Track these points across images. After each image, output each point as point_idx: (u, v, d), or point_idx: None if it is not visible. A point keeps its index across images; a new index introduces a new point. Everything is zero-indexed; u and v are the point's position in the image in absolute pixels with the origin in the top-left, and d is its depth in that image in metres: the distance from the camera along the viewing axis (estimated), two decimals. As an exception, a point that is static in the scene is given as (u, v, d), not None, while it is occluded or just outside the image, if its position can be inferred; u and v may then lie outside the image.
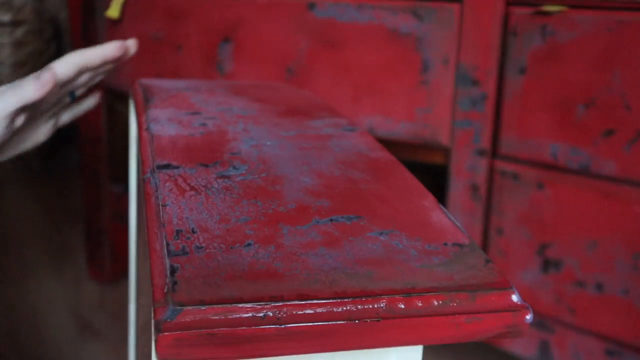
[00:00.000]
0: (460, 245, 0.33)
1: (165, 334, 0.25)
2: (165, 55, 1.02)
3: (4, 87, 0.55)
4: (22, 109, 0.56)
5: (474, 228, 0.78)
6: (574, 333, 0.73)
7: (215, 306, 0.26)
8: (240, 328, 0.26)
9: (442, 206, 0.37)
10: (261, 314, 0.26)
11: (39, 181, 1.79)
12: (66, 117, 0.67)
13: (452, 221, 0.35)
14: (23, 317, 1.17)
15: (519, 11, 0.71)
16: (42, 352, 1.08)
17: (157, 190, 0.35)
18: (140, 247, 0.63)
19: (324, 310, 0.27)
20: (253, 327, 0.26)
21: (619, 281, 0.69)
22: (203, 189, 0.36)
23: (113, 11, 1.06)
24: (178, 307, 0.26)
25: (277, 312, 0.27)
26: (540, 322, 0.76)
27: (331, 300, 0.27)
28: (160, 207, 0.33)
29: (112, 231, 1.26)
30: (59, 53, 2.12)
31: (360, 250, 0.31)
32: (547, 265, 0.74)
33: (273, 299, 0.27)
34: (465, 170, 0.77)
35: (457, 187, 0.78)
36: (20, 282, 1.30)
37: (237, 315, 0.26)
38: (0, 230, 1.52)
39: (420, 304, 0.28)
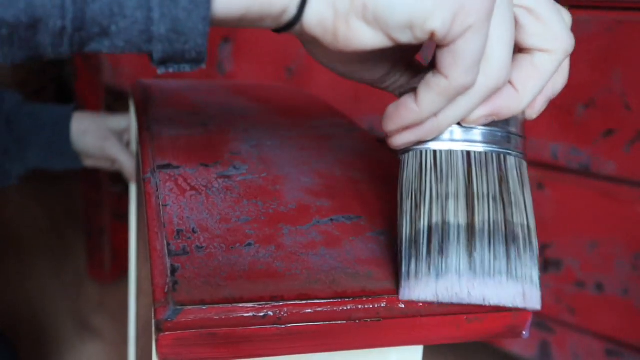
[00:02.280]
0: (461, 245, 0.33)
1: (166, 333, 0.25)
2: (165, 55, 1.01)
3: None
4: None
5: (474, 228, 0.78)
6: (574, 333, 0.73)
7: (216, 306, 0.26)
8: (240, 328, 0.26)
9: (442, 206, 0.37)
10: (262, 314, 0.26)
11: (39, 181, 1.79)
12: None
13: (452, 221, 0.35)
14: (23, 317, 1.17)
15: (519, 11, 0.71)
16: (42, 352, 1.08)
17: (157, 190, 0.35)
18: (141, 247, 0.63)
19: (325, 310, 0.27)
20: (253, 327, 0.26)
21: (619, 281, 0.69)
22: (203, 188, 0.36)
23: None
24: (179, 307, 0.26)
25: (278, 312, 0.27)
26: (540, 322, 0.76)
27: (331, 300, 0.27)
28: (161, 207, 0.33)
29: (112, 231, 1.26)
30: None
31: (360, 250, 0.31)
32: (547, 265, 0.74)
33: (273, 298, 0.27)
34: (465, 170, 0.77)
35: (457, 187, 0.78)
36: (20, 282, 1.30)
37: (238, 315, 0.26)
38: (0, 230, 1.52)
39: (421, 304, 0.28)
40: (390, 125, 0.30)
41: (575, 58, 0.71)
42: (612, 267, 0.69)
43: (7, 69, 1.97)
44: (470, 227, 0.29)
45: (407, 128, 0.30)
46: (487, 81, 0.28)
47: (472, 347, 1.04)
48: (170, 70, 0.28)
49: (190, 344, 0.26)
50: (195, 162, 0.40)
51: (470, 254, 0.29)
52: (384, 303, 0.28)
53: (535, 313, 0.80)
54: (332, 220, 0.34)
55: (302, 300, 0.27)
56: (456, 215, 0.29)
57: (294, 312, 0.27)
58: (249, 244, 0.31)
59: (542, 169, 0.73)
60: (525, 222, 0.30)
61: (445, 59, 0.27)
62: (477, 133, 0.30)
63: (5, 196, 1.67)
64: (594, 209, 0.70)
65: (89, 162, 0.78)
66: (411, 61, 0.33)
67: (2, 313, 1.18)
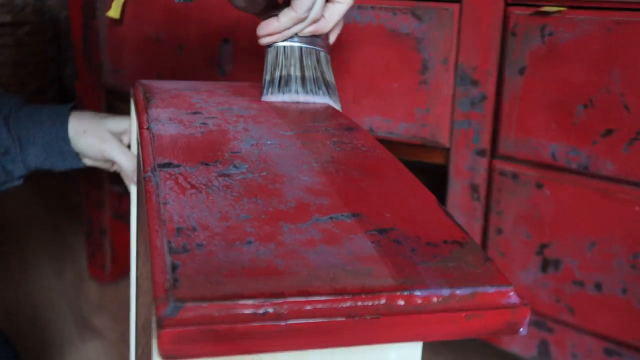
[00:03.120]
0: (460, 243, 0.33)
1: (167, 330, 0.25)
2: (166, 55, 1.02)
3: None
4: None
5: (473, 228, 0.79)
6: (573, 332, 0.74)
7: (216, 302, 0.26)
8: (241, 324, 0.26)
9: (441, 205, 0.38)
10: (262, 311, 0.27)
11: (39, 181, 1.79)
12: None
13: (451, 219, 0.36)
14: (23, 317, 1.17)
15: (518, 11, 0.71)
16: (42, 351, 1.08)
17: (158, 189, 0.36)
18: (141, 246, 0.63)
19: (324, 306, 0.27)
20: (254, 324, 0.26)
21: (618, 281, 0.69)
22: (204, 187, 0.36)
23: (114, 12, 1.06)
24: (179, 304, 0.26)
25: (278, 309, 0.27)
26: (539, 322, 0.76)
27: (331, 297, 0.27)
28: (161, 205, 0.34)
29: (113, 231, 1.27)
30: (59, 53, 2.12)
31: (360, 248, 0.31)
32: (546, 264, 0.74)
33: (273, 295, 0.27)
34: (465, 170, 0.77)
35: (456, 187, 0.79)
36: (20, 282, 1.30)
37: (238, 312, 0.26)
38: (0, 230, 1.52)
39: (420, 301, 0.29)
40: (261, 31, 0.56)
41: (574, 58, 0.71)
42: (611, 267, 0.70)
43: (8, 69, 1.97)
44: (303, 77, 0.57)
45: (270, 34, 0.56)
46: (312, 15, 0.54)
47: (471, 347, 1.04)
48: None
49: (190, 341, 0.26)
50: (196, 161, 0.40)
51: (303, 86, 0.57)
52: (384, 300, 0.28)
53: (535, 312, 0.80)
54: (331, 218, 0.34)
55: (302, 297, 0.27)
56: (295, 72, 0.57)
57: (294, 308, 0.27)
58: (249, 242, 0.31)
59: (541, 169, 0.73)
60: (332, 81, 0.59)
61: (296, 3, 0.53)
62: (306, 39, 0.57)
63: (6, 196, 1.67)
64: (593, 209, 0.70)
65: (88, 162, 0.78)
66: (276, 2, 0.56)
67: (3, 312, 1.18)
